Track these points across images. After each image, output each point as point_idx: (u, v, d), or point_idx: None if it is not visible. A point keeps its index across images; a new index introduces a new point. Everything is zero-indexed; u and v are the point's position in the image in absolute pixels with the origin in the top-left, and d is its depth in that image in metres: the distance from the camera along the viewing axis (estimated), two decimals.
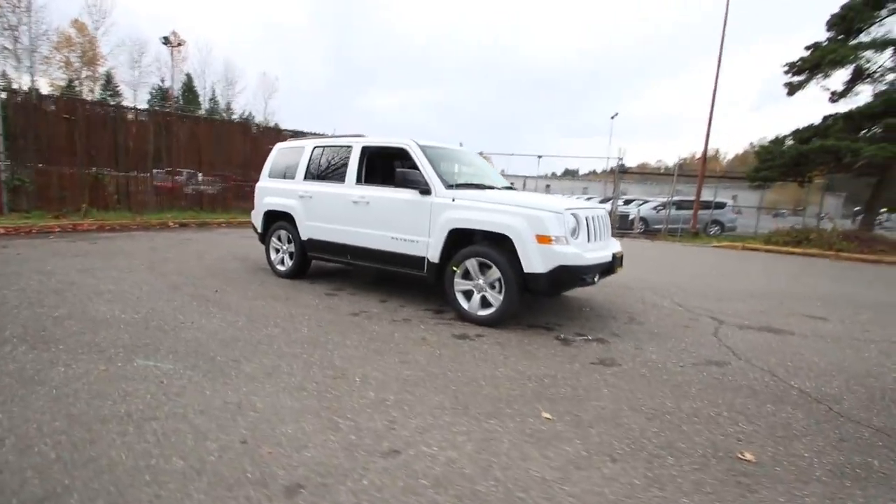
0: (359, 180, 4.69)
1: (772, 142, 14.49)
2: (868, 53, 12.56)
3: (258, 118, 39.36)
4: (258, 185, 5.70)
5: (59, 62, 33.91)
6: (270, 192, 5.49)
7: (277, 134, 14.32)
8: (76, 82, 35.51)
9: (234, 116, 38.69)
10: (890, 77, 12.98)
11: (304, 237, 5.08)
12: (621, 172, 16.88)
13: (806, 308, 5.20)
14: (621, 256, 4.27)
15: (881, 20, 12.69)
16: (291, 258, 5.31)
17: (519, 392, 2.63)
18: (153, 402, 2.28)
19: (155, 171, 11.39)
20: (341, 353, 3.08)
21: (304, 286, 5.04)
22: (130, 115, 11.63)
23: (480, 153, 6.22)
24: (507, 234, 3.66)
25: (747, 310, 4.96)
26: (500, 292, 3.76)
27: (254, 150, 13.57)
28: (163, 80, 39.76)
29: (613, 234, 4.72)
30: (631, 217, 16.53)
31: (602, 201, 18.64)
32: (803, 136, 13.70)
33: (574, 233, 3.71)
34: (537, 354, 3.27)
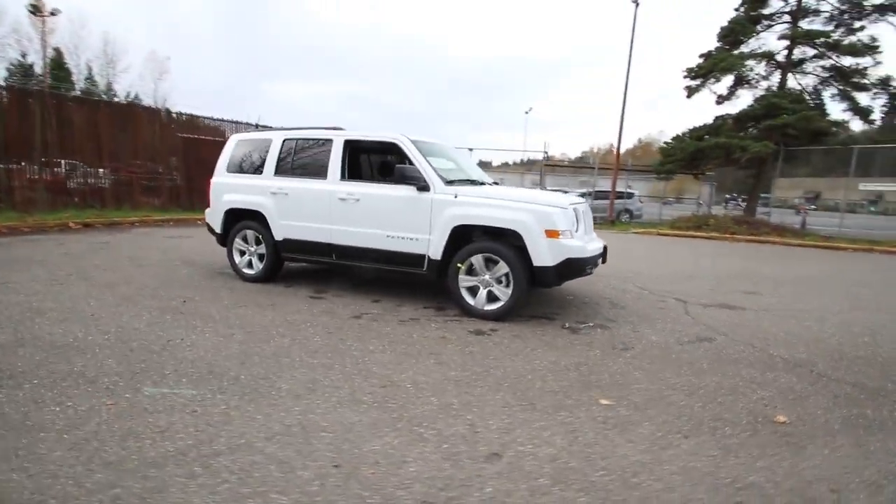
0: (343, 176, 4.44)
1: (674, 139, 16.31)
2: (750, 63, 14.67)
3: (147, 101, 34.75)
4: (214, 180, 5.12)
5: None
6: (231, 189, 4.97)
7: (192, 121, 12.91)
8: None
9: (115, 98, 33.80)
10: (764, 84, 15.31)
11: (278, 237, 4.69)
12: (546, 165, 17.86)
13: (740, 285, 5.99)
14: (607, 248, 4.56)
15: (757, 34, 14.87)
16: (261, 260, 4.88)
17: (567, 383, 2.73)
18: (202, 435, 2.00)
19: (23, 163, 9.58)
20: (372, 360, 2.94)
21: (282, 290, 4.66)
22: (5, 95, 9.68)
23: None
24: (516, 229, 3.73)
25: (697, 290, 5.59)
26: (507, 287, 3.83)
27: (161, 141, 12.13)
28: (24, 55, 33.56)
29: None
30: None
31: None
32: (699, 133, 15.62)
33: (575, 227, 3.89)
34: (556, 344, 3.40)
